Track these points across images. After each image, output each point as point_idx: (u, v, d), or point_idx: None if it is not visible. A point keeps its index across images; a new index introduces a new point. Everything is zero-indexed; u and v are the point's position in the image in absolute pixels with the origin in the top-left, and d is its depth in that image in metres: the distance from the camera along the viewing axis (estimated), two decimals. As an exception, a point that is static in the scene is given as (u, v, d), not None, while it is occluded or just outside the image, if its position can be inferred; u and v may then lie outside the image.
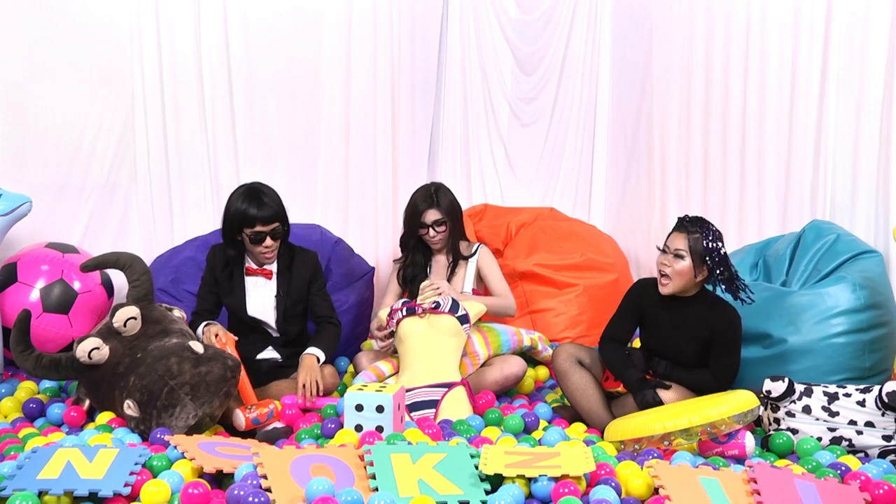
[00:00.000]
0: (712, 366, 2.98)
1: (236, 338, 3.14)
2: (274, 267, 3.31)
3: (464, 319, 3.27)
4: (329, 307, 3.37)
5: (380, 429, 2.70)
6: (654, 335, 3.10)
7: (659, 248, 3.01)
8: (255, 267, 3.30)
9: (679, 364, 3.02)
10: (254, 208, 3.14)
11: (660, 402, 2.89)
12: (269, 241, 3.19)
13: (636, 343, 3.31)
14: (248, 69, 4.27)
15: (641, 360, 3.05)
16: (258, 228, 3.15)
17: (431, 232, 3.57)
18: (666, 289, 2.97)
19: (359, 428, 2.72)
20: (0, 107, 3.86)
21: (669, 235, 2.99)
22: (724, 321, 2.95)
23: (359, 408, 2.73)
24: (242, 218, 3.15)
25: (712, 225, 2.96)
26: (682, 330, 3.00)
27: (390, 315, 3.36)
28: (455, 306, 3.28)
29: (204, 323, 3.21)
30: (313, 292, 3.34)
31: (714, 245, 2.90)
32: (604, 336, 3.16)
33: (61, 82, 3.94)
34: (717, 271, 2.91)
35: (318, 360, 3.20)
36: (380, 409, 2.72)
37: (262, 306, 3.30)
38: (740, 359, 2.99)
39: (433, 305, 3.29)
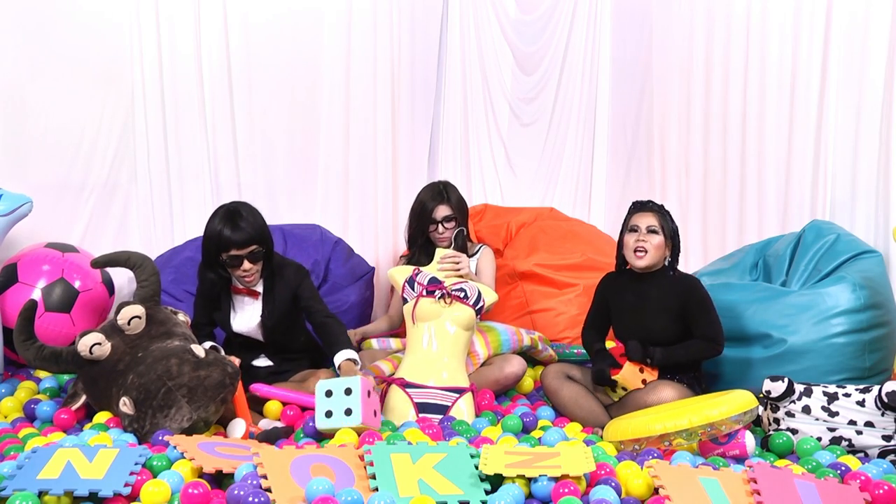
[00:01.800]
0: (698, 330, 3.08)
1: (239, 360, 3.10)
2: (260, 287, 3.22)
3: (479, 311, 3.24)
4: (324, 306, 3.25)
5: (348, 412, 2.69)
6: (622, 320, 3.22)
7: (632, 230, 3.17)
8: (241, 286, 3.22)
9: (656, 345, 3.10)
10: (228, 230, 3.03)
11: (610, 380, 3.03)
12: (247, 265, 3.08)
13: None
14: (248, 69, 4.27)
15: (638, 349, 3.07)
16: (234, 252, 3.05)
17: (441, 228, 3.56)
18: (643, 261, 3.14)
19: (328, 414, 2.71)
20: (0, 107, 3.86)
21: (633, 216, 3.19)
22: (688, 286, 3.14)
23: (328, 394, 2.74)
24: (218, 241, 3.05)
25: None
26: (648, 308, 3.13)
27: (409, 283, 3.26)
28: (478, 299, 3.23)
29: (208, 345, 3.14)
30: (305, 299, 3.21)
31: (675, 224, 3.21)
32: (584, 326, 3.36)
33: (61, 82, 3.94)
34: (678, 244, 3.19)
35: (356, 362, 3.05)
36: (348, 391, 2.72)
37: (247, 326, 3.25)
38: (719, 319, 3.09)
39: (460, 294, 3.21)
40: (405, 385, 3.07)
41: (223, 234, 3.04)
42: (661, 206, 3.21)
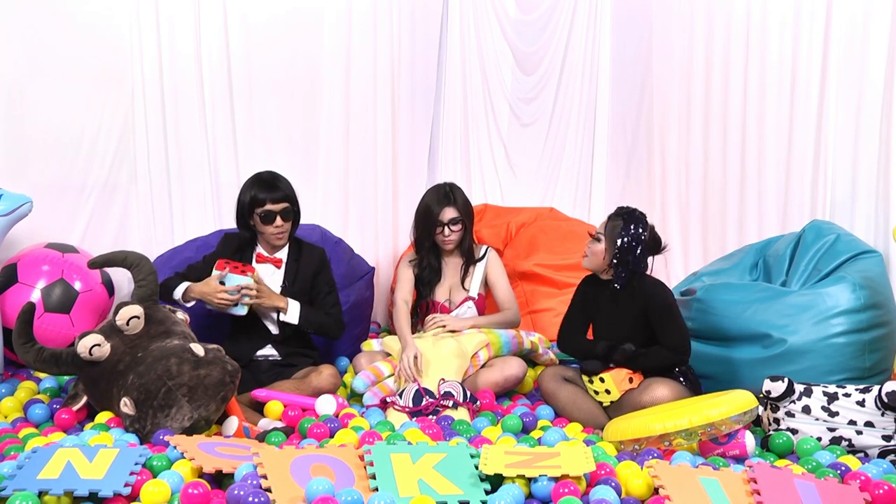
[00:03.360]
0: (661, 338, 3.06)
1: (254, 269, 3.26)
2: (284, 255, 3.35)
3: (475, 400, 3.14)
4: (332, 303, 3.37)
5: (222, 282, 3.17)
6: (600, 326, 3.22)
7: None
8: (266, 255, 3.35)
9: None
10: (265, 188, 3.26)
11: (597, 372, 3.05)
12: (279, 221, 3.27)
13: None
14: (248, 69, 4.27)
15: (606, 348, 3.09)
16: (268, 207, 3.24)
17: (447, 231, 3.55)
18: (583, 263, 3.18)
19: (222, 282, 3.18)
20: (0, 107, 3.86)
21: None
22: (650, 293, 3.09)
23: (221, 283, 3.19)
24: (254, 199, 3.25)
25: (639, 222, 3.06)
26: (622, 316, 3.12)
27: (388, 402, 3.14)
28: (465, 394, 3.11)
29: (185, 286, 3.25)
30: (320, 284, 3.36)
31: (626, 242, 3.03)
32: (566, 332, 3.29)
33: (61, 82, 3.94)
34: (619, 260, 3.04)
35: (286, 306, 3.22)
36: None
37: None
38: (685, 325, 3.08)
39: (448, 403, 3.07)
40: (395, 403, 3.09)
41: (259, 191, 3.26)
42: (626, 217, 3.07)
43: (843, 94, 4.00)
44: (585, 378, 3.13)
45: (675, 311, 3.08)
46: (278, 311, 3.27)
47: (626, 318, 3.11)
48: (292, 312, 3.26)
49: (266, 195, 3.25)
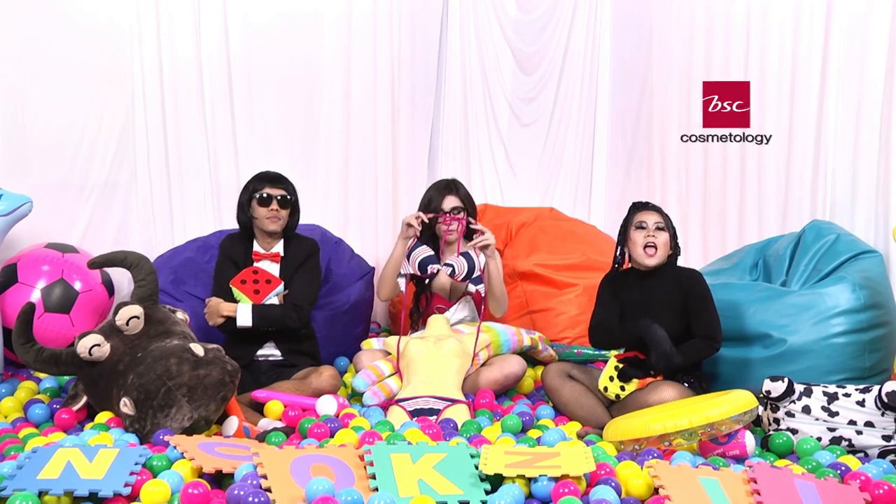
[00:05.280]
0: (696, 327, 3.07)
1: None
2: (281, 250, 3.39)
3: (476, 279, 3.34)
4: (301, 293, 3.32)
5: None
6: (627, 318, 3.18)
7: (639, 227, 3.16)
8: (263, 252, 3.38)
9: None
10: (267, 175, 3.41)
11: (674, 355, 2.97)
12: (275, 205, 3.32)
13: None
14: (248, 69, 4.27)
15: (640, 368, 3.05)
16: (267, 190, 3.34)
17: (448, 219, 3.56)
18: (653, 259, 3.15)
19: None
20: (0, 107, 3.87)
21: (637, 214, 3.20)
22: (690, 280, 3.14)
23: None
24: (255, 181, 3.38)
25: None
26: (656, 303, 3.12)
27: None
28: (470, 272, 3.36)
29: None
30: (299, 273, 3.35)
31: (673, 225, 3.25)
32: (592, 324, 3.25)
33: (61, 82, 3.94)
34: (677, 240, 3.23)
35: (233, 313, 3.19)
36: None
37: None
38: (718, 315, 3.09)
39: (448, 272, 3.36)
40: (399, 401, 3.10)
41: (261, 176, 3.41)
42: (653, 206, 3.24)
43: (843, 94, 4.01)
44: (611, 365, 3.08)
45: (711, 299, 3.11)
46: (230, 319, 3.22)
47: (663, 307, 3.09)
48: (243, 314, 3.22)
49: (266, 176, 3.39)
